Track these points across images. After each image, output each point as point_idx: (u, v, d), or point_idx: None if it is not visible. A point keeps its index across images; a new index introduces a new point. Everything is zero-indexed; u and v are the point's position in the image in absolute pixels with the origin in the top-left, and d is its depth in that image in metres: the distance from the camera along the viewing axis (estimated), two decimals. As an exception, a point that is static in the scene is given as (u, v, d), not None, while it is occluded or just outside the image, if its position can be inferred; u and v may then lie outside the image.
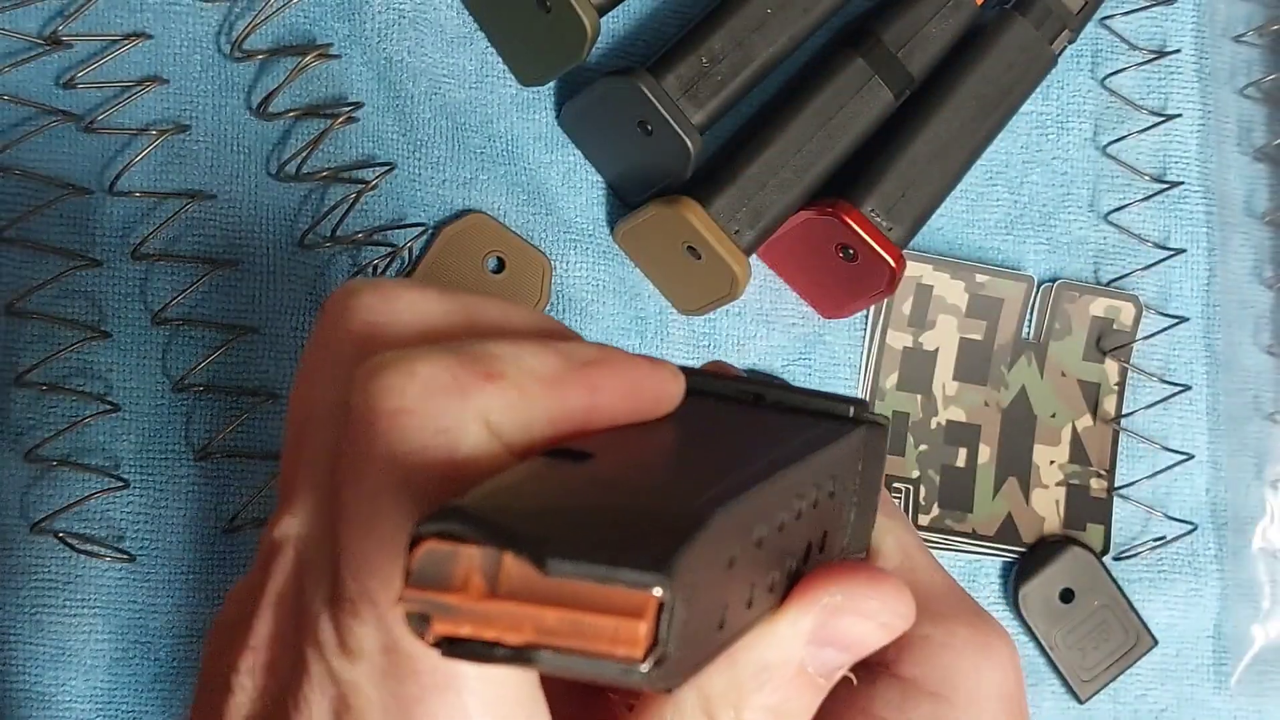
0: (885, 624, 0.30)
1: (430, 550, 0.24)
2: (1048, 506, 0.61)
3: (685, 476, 0.28)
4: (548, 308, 0.57)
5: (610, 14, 0.56)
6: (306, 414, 0.31)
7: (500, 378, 0.28)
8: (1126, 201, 0.63)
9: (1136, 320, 0.62)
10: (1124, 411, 0.62)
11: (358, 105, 0.55)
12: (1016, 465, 0.61)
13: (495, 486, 0.26)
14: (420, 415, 0.28)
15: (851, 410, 0.33)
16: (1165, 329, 0.62)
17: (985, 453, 0.61)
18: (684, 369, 0.32)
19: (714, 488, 0.26)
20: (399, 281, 0.31)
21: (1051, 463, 0.61)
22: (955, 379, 0.61)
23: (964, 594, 0.37)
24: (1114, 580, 0.61)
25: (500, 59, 0.57)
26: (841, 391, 0.60)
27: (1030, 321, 0.62)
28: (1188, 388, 0.62)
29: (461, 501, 0.24)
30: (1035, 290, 0.62)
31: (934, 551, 0.60)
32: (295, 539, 0.30)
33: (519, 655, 0.23)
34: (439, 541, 0.24)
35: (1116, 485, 0.62)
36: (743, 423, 0.32)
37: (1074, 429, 0.62)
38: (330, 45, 0.55)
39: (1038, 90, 0.60)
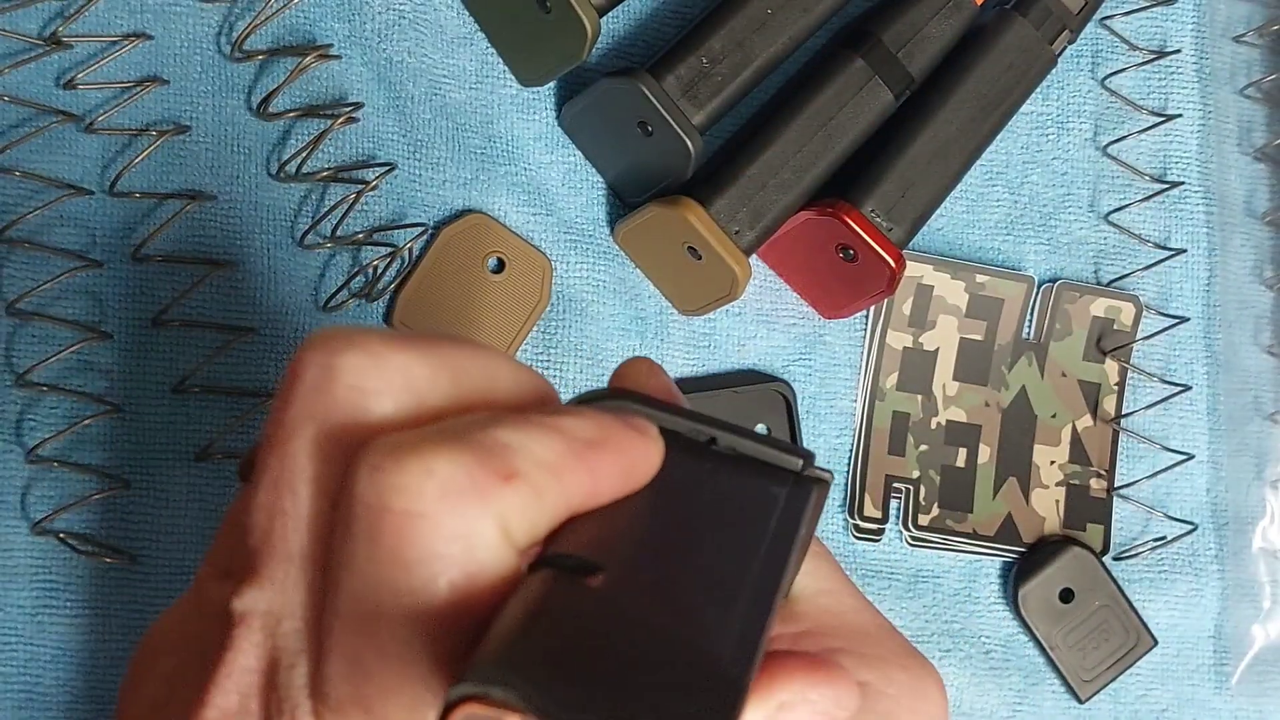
0: (834, 718, 0.30)
1: (471, 716, 0.23)
2: (1048, 506, 0.61)
3: (698, 597, 0.27)
4: (548, 308, 0.57)
5: (610, 14, 0.56)
6: (283, 479, 0.29)
7: (516, 477, 0.27)
8: (1126, 202, 0.63)
9: (1136, 320, 0.62)
10: (1124, 411, 0.62)
11: (358, 105, 0.55)
12: (1016, 465, 0.61)
13: (519, 627, 0.25)
14: (435, 521, 0.26)
15: (800, 464, 0.33)
16: (1165, 329, 0.62)
17: (985, 453, 0.61)
18: (628, 396, 0.32)
19: (730, 621, 0.26)
20: (381, 338, 0.30)
21: (1051, 463, 0.61)
22: (955, 379, 0.61)
23: (894, 631, 0.36)
24: (1114, 580, 0.61)
25: (500, 59, 0.57)
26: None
27: (1030, 322, 0.62)
28: (1188, 388, 0.62)
29: (499, 659, 0.24)
30: (1035, 290, 0.62)
31: (934, 552, 0.60)
32: (264, 615, 0.29)
33: None
34: (480, 705, 0.23)
35: (1116, 485, 0.62)
36: (711, 492, 0.32)
37: (1074, 429, 0.62)
38: (330, 45, 0.55)
39: (1038, 90, 0.60)
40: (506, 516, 0.27)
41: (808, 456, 0.33)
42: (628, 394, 0.32)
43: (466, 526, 0.27)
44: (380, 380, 0.29)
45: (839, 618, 0.35)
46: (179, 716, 0.30)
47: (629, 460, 0.30)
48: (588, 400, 0.32)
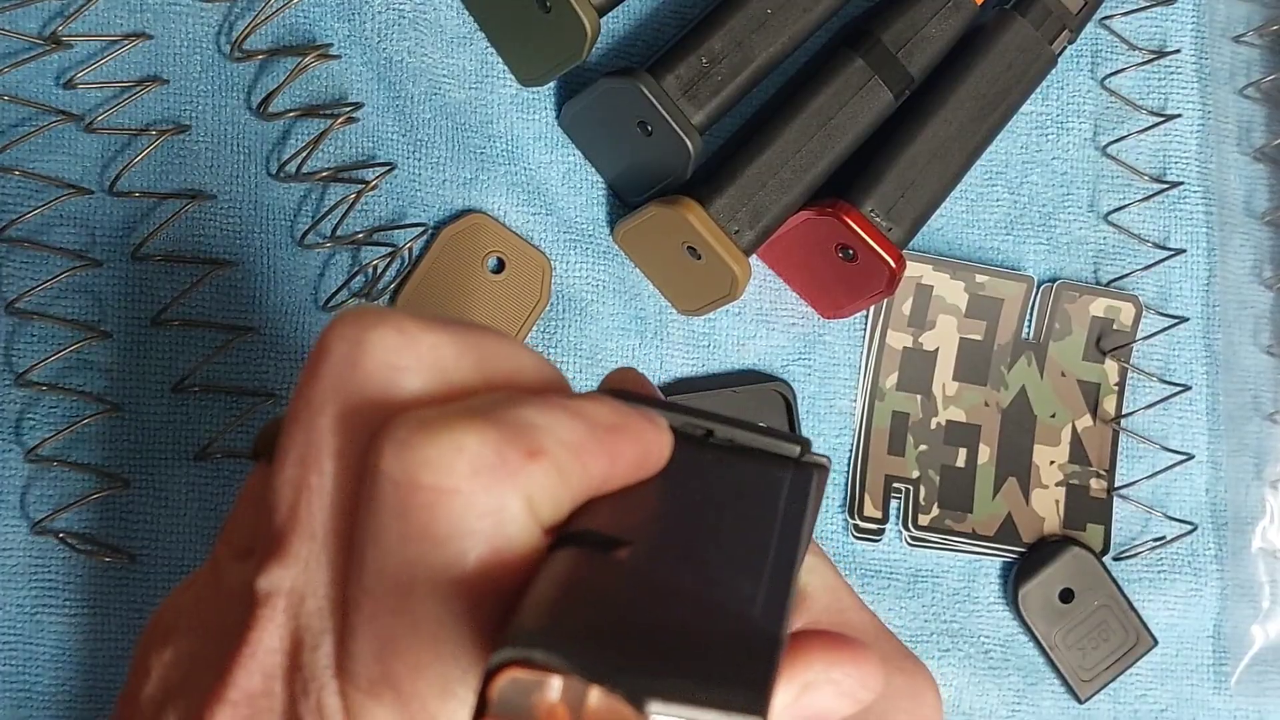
0: (858, 699, 0.30)
1: (514, 679, 0.23)
2: (1048, 506, 0.61)
3: (722, 567, 0.28)
4: (548, 308, 0.57)
5: (610, 14, 0.56)
6: (309, 454, 0.29)
7: (542, 455, 0.27)
8: (1126, 201, 0.63)
9: (1136, 320, 0.62)
10: (1124, 411, 0.62)
11: (358, 105, 0.55)
12: (1016, 465, 0.61)
13: (553, 597, 0.25)
14: (465, 496, 0.26)
15: (798, 450, 0.33)
16: (1165, 329, 0.62)
17: (985, 453, 0.61)
18: (621, 395, 0.32)
19: (756, 589, 0.27)
20: (412, 317, 0.30)
21: (1051, 463, 0.61)
22: (955, 379, 0.61)
23: (890, 634, 0.36)
24: (1114, 580, 0.61)
25: (500, 59, 0.57)
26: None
27: (1030, 322, 0.62)
28: (1187, 388, 0.62)
29: (538, 625, 0.24)
30: (1035, 290, 0.62)
31: (934, 552, 0.60)
32: (289, 593, 0.29)
33: None
34: (523, 670, 0.23)
35: (1116, 485, 0.62)
36: (718, 478, 0.32)
37: (1074, 429, 0.62)
38: (330, 45, 0.55)
39: (1038, 90, 0.60)
40: (533, 493, 0.27)
41: (804, 443, 0.33)
42: (620, 394, 0.32)
43: (496, 502, 0.27)
44: (410, 357, 0.29)
45: (839, 615, 0.35)
46: (195, 699, 0.29)
47: (644, 446, 0.30)
48: None
